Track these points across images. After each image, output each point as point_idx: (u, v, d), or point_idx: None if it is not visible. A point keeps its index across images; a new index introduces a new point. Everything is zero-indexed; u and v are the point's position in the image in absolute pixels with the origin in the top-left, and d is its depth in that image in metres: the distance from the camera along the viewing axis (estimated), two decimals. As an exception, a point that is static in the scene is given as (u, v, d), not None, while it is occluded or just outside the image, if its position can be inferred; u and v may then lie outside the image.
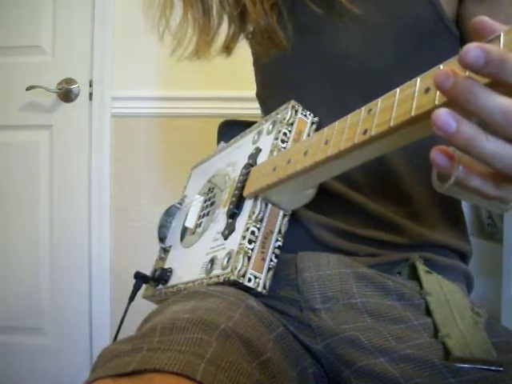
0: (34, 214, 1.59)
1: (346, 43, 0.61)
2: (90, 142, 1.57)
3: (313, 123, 0.60)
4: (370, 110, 0.40)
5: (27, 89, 1.51)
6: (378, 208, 0.59)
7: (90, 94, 1.57)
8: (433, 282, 0.53)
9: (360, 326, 0.49)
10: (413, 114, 0.34)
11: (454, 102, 0.30)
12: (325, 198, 0.56)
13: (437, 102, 0.32)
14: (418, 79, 0.35)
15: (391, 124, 0.36)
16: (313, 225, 0.60)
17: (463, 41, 0.62)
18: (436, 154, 0.32)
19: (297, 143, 0.53)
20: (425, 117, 0.33)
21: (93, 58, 1.56)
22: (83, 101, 1.57)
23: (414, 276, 0.55)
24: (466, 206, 1.32)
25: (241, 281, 0.51)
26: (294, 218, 0.58)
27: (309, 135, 0.59)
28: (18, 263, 1.60)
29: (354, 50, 0.61)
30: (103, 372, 0.37)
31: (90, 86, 1.57)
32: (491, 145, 0.30)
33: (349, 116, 0.43)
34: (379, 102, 0.39)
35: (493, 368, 0.43)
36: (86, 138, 1.58)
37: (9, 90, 1.58)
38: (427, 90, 0.33)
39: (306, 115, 0.60)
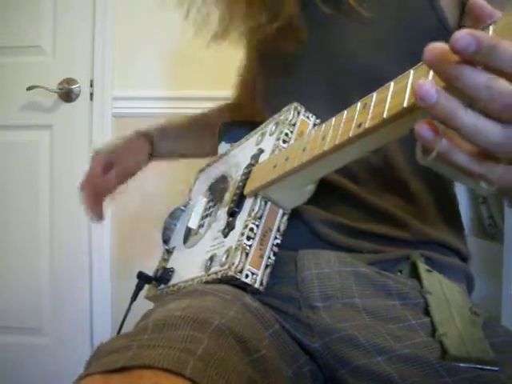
0: (35, 214, 1.60)
1: (352, 45, 0.62)
2: (90, 142, 1.57)
3: (315, 125, 0.60)
4: (366, 104, 0.41)
5: (28, 89, 1.52)
6: (380, 202, 0.59)
7: (91, 94, 1.57)
8: (433, 280, 0.53)
9: (358, 324, 0.48)
10: (405, 104, 0.35)
11: (442, 78, 0.30)
12: (326, 192, 0.56)
13: None
14: (412, 71, 0.36)
15: (385, 116, 0.37)
16: (314, 221, 0.59)
17: None
18: (421, 127, 0.32)
19: (296, 141, 0.54)
20: (417, 107, 0.33)
21: (93, 57, 1.56)
22: (84, 101, 1.57)
23: (415, 274, 0.54)
24: (466, 206, 1.33)
25: (238, 276, 0.51)
26: (295, 213, 0.58)
27: None
28: (18, 263, 1.60)
29: (359, 51, 0.61)
30: (94, 368, 0.37)
31: (91, 85, 1.57)
32: (471, 119, 0.30)
33: (345, 111, 0.44)
34: (374, 96, 0.40)
35: (488, 367, 0.43)
36: (86, 138, 1.58)
37: (9, 90, 1.58)
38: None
39: (308, 117, 0.60)
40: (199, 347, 0.38)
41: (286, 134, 0.58)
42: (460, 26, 0.62)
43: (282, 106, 0.62)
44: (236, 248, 0.53)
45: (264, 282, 0.53)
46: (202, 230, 0.67)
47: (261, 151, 0.62)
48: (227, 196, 0.64)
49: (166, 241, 0.76)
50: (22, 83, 1.53)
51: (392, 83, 0.38)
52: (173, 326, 0.41)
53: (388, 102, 0.37)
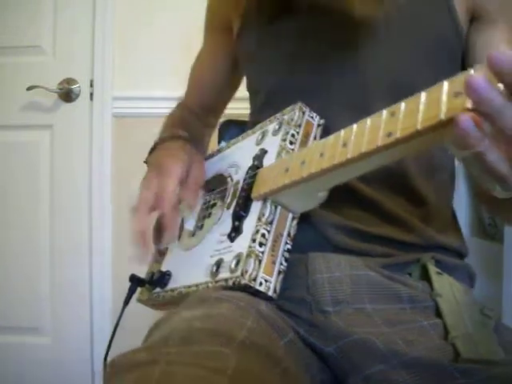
0: (35, 214, 1.59)
1: (374, 51, 0.61)
2: (90, 142, 1.57)
3: (319, 125, 0.59)
4: (394, 112, 0.39)
5: (28, 89, 1.51)
6: (395, 207, 0.59)
7: (91, 94, 1.57)
8: (443, 283, 0.53)
9: (370, 329, 0.49)
10: (442, 117, 0.34)
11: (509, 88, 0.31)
12: (338, 195, 0.54)
13: (468, 106, 0.32)
14: (446, 83, 0.35)
15: (418, 127, 0.36)
16: (323, 224, 0.58)
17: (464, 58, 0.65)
18: (463, 117, 0.32)
19: (310, 145, 0.52)
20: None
21: (93, 57, 1.56)
22: (84, 101, 1.57)
23: (425, 277, 0.55)
24: (466, 206, 1.34)
25: (252, 284, 0.50)
26: (304, 217, 0.57)
27: (315, 137, 0.59)
28: (18, 263, 1.59)
29: (382, 58, 0.61)
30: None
31: (91, 85, 1.57)
32: None
33: (368, 118, 0.42)
34: (403, 105, 0.39)
35: (500, 369, 0.43)
36: (86, 138, 1.58)
37: (9, 90, 1.58)
38: (457, 94, 0.33)
39: (312, 117, 0.59)
40: (228, 365, 0.37)
41: (293, 135, 0.57)
42: (469, 32, 0.63)
43: (286, 105, 0.60)
44: (248, 255, 0.51)
45: (277, 289, 0.52)
46: (200, 232, 0.64)
47: (264, 152, 0.60)
48: (228, 198, 0.62)
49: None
50: (22, 83, 1.52)
51: (423, 93, 0.37)
52: (197, 339, 0.40)
53: (421, 113, 0.36)
